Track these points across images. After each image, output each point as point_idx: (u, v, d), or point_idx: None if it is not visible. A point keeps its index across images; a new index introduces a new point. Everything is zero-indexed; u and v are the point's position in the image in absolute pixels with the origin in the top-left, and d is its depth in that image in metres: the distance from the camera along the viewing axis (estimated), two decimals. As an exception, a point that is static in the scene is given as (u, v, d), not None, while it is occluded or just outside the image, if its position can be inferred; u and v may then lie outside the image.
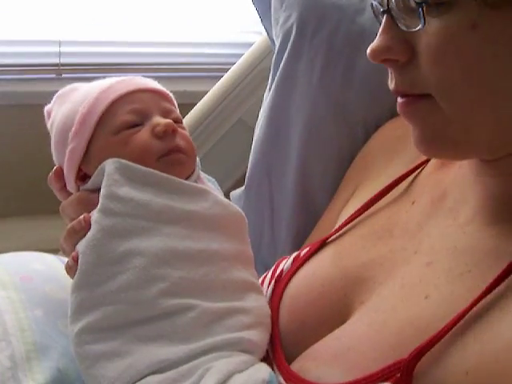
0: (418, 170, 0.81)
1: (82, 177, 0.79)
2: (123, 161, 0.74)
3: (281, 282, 0.81)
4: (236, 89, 1.51)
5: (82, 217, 0.73)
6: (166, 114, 0.80)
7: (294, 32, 1.05)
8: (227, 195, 1.10)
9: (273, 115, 1.08)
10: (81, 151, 0.78)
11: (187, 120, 1.50)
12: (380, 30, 0.64)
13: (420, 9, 0.60)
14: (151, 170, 0.75)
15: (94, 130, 0.77)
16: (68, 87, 0.84)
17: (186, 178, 0.79)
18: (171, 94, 0.84)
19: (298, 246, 0.94)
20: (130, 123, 0.77)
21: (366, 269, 0.74)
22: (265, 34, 1.54)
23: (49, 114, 0.83)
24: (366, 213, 0.82)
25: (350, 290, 0.74)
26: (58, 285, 0.85)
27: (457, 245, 0.68)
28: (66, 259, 0.77)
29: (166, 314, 0.68)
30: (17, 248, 0.98)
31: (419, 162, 0.81)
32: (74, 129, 0.78)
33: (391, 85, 0.67)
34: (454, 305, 0.61)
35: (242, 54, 1.56)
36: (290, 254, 0.85)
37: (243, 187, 1.13)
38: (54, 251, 0.96)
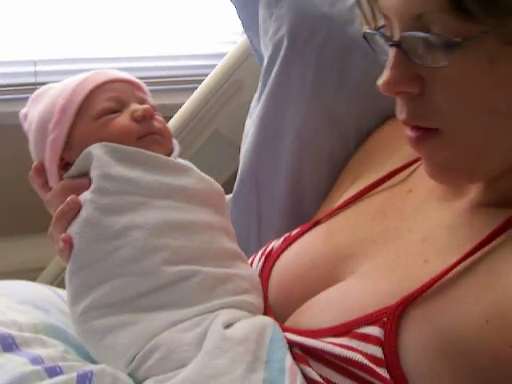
0: (418, 164, 0.83)
1: (64, 165, 0.82)
2: (110, 143, 0.78)
3: (270, 258, 0.84)
4: (210, 100, 1.51)
5: (69, 199, 0.75)
6: (141, 102, 0.84)
7: (284, 43, 1.07)
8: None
9: (263, 125, 1.09)
10: (62, 139, 0.81)
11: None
12: (390, 64, 0.65)
13: (444, 47, 0.60)
14: (138, 149, 0.79)
15: (74, 118, 0.81)
16: (42, 88, 0.87)
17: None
18: (143, 84, 0.88)
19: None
20: (110, 109, 0.81)
21: (357, 245, 0.77)
22: (238, 43, 1.56)
23: (25, 116, 0.86)
24: (360, 198, 0.85)
25: (339, 264, 0.77)
26: None
27: (452, 224, 0.71)
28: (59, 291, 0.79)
29: (171, 282, 0.72)
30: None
31: (418, 156, 0.83)
32: (54, 119, 0.81)
33: (400, 115, 0.68)
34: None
35: (214, 65, 1.57)
36: None
37: (231, 194, 1.14)
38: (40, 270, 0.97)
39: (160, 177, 0.78)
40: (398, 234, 0.75)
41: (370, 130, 1.02)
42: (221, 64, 1.55)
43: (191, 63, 1.88)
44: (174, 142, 0.86)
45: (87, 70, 1.75)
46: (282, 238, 0.86)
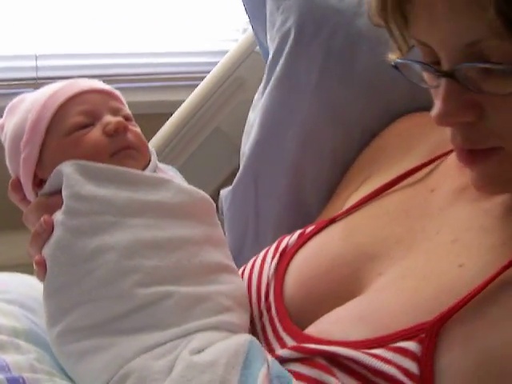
0: (437, 162, 0.81)
1: (39, 182, 0.80)
2: (80, 161, 0.75)
3: (286, 255, 0.81)
4: (211, 98, 1.51)
5: (42, 219, 0.74)
6: (115, 112, 0.80)
7: (291, 35, 1.06)
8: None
9: (266, 118, 1.08)
10: (34, 158, 0.78)
11: (164, 130, 1.50)
12: (442, 95, 0.62)
13: (507, 73, 0.58)
14: (109, 165, 0.76)
15: (44, 136, 0.78)
16: (16, 98, 0.84)
17: (142, 170, 0.80)
18: (118, 92, 0.84)
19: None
20: (81, 124, 0.78)
21: (380, 245, 0.75)
22: (240, 41, 1.56)
23: (1, 127, 0.84)
24: (377, 197, 0.83)
25: (363, 265, 0.74)
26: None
27: (483, 225, 0.69)
28: None
29: (145, 305, 0.69)
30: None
31: (437, 155, 0.82)
32: (24, 137, 0.78)
33: (454, 141, 0.66)
34: (491, 272, 0.62)
35: (216, 62, 1.57)
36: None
37: (231, 186, 1.13)
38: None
39: (133, 193, 0.75)
40: (425, 235, 0.73)
41: (376, 127, 1.01)
42: (222, 61, 1.54)
43: (192, 60, 1.87)
44: (151, 151, 0.83)
45: (88, 66, 1.77)
46: (296, 235, 0.84)
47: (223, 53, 1.60)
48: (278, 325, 0.75)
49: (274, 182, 1.07)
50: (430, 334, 0.61)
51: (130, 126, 0.80)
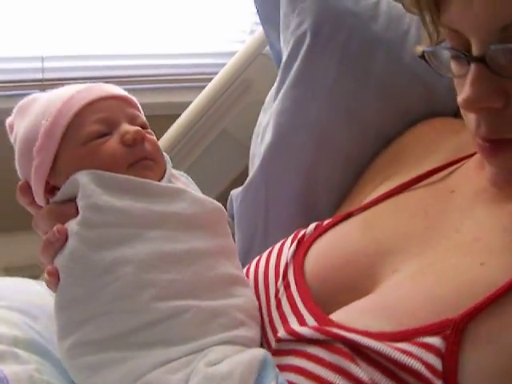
0: (457, 165, 0.81)
1: (51, 189, 0.78)
2: (96, 171, 0.74)
3: (303, 244, 0.81)
4: (219, 99, 1.50)
5: (55, 228, 0.72)
6: (132, 120, 0.79)
7: (307, 38, 1.06)
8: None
9: (280, 120, 1.08)
10: (47, 166, 0.76)
11: (171, 132, 1.50)
12: (470, 79, 0.63)
13: None
14: (126, 176, 0.74)
15: (59, 144, 0.76)
16: (27, 98, 0.81)
17: (159, 181, 0.78)
18: (134, 98, 0.82)
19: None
20: (98, 133, 0.76)
21: (397, 241, 0.74)
22: (247, 42, 1.55)
23: (11, 127, 0.81)
24: (396, 195, 0.82)
25: (379, 260, 0.74)
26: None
27: (506, 225, 0.68)
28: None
29: (161, 319, 0.68)
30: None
31: (458, 157, 0.82)
32: (38, 144, 0.76)
33: (479, 130, 0.66)
34: None
35: (223, 64, 1.56)
36: None
37: (242, 186, 1.14)
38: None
39: (150, 205, 0.73)
40: (444, 233, 0.72)
41: (391, 131, 1.01)
42: (230, 63, 1.54)
43: (200, 61, 1.87)
44: (166, 159, 0.82)
45: (95, 67, 1.76)
46: (313, 226, 0.84)
47: (230, 54, 1.59)
48: (299, 302, 0.74)
49: (286, 184, 1.07)
50: (456, 331, 0.60)
51: (148, 135, 0.79)
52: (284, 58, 1.11)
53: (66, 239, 0.72)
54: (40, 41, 1.70)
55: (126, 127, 0.77)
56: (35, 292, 0.87)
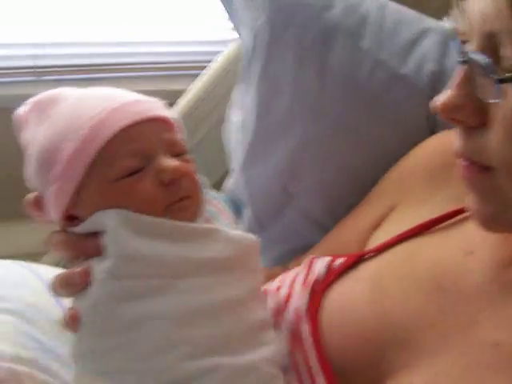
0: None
1: (69, 216, 0.69)
2: (128, 213, 0.65)
3: (317, 294, 0.74)
4: (216, 88, 1.50)
5: (82, 270, 0.65)
6: (170, 148, 0.69)
7: (263, 32, 1.06)
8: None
9: (253, 120, 1.08)
10: (69, 195, 0.67)
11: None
12: (455, 83, 0.59)
13: (499, 85, 0.54)
14: (160, 220, 0.66)
15: (85, 173, 0.67)
16: (47, 96, 0.71)
17: (195, 219, 0.70)
18: (172, 117, 0.72)
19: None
20: (131, 169, 0.67)
21: (410, 325, 0.67)
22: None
23: (24, 121, 0.71)
24: (406, 243, 0.75)
25: (389, 348, 0.67)
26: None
27: None
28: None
29: (191, 377, 0.63)
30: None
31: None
32: (59, 167, 0.66)
33: (455, 145, 0.61)
34: None
35: (219, 52, 1.55)
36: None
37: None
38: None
39: (185, 251, 0.66)
40: (461, 325, 0.64)
41: (361, 124, 1.00)
42: (226, 51, 1.53)
43: (195, 49, 1.86)
44: (203, 181, 0.72)
45: (88, 55, 1.75)
46: (325, 266, 0.76)
47: (226, 42, 1.58)
48: (312, 360, 0.69)
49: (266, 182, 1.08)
50: None
51: (185, 169, 0.69)
52: (246, 53, 1.10)
53: (90, 280, 0.65)
54: (33, 27, 1.68)
55: (163, 162, 0.67)
56: (32, 283, 0.84)
